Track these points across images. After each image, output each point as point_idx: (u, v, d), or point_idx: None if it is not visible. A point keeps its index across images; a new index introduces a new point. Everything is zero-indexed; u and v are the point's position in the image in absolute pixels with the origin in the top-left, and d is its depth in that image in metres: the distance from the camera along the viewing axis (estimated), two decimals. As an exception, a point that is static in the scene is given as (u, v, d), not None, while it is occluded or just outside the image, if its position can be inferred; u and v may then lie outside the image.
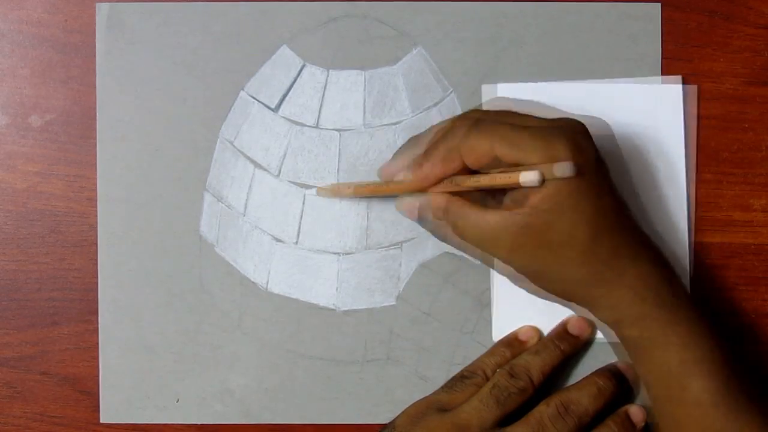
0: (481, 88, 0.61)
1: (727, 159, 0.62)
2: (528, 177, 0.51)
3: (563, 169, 0.51)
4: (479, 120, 0.54)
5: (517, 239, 0.53)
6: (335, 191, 0.60)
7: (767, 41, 0.61)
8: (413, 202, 0.56)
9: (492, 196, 0.55)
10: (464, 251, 0.58)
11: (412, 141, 0.58)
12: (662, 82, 0.61)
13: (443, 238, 0.57)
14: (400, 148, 0.59)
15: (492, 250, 0.55)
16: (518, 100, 0.60)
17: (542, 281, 0.55)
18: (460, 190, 0.55)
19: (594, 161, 0.53)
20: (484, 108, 0.59)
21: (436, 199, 0.55)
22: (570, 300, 0.56)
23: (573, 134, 0.53)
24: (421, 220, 0.57)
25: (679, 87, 0.61)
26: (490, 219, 0.53)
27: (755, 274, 0.62)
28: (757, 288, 0.62)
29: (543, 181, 0.51)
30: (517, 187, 0.52)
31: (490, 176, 0.53)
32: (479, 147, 0.53)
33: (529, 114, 0.55)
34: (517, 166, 0.52)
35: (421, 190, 0.56)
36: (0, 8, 0.61)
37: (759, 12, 0.61)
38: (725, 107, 0.62)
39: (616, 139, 0.61)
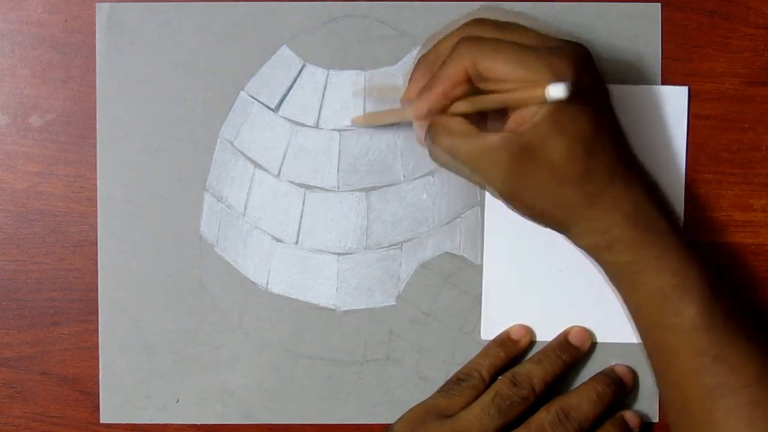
0: None
1: (727, 159, 0.62)
2: (556, 90, 0.49)
3: (561, 89, 0.49)
4: (484, 40, 0.53)
5: (517, 160, 0.52)
6: (368, 120, 0.59)
7: (767, 41, 0.61)
8: (419, 129, 0.56)
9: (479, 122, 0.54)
10: (460, 173, 0.56)
11: (422, 62, 0.57)
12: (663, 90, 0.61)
13: (442, 163, 0.56)
14: (412, 71, 0.57)
15: (489, 171, 0.53)
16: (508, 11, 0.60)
17: (533, 204, 0.54)
18: (477, 110, 0.53)
19: (595, 83, 0.54)
20: (474, 17, 0.56)
21: (435, 121, 0.54)
22: (558, 225, 0.55)
23: (576, 56, 0.52)
24: (427, 145, 0.56)
25: (685, 89, 0.61)
26: (490, 140, 0.52)
27: (755, 274, 0.62)
28: (757, 288, 0.62)
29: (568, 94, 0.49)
30: (540, 102, 0.51)
31: (512, 93, 0.52)
32: (487, 66, 0.51)
33: (530, 28, 0.54)
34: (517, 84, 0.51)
35: (435, 114, 0.54)
36: (0, 8, 0.61)
37: (759, 12, 0.61)
38: (725, 107, 0.62)
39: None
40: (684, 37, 0.61)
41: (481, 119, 0.55)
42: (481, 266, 0.61)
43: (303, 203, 0.61)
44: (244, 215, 0.61)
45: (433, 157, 0.56)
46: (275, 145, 0.61)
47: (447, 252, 0.61)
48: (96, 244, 0.61)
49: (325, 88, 0.61)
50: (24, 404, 0.62)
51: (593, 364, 0.61)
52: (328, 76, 0.61)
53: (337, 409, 0.61)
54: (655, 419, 0.61)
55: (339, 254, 0.61)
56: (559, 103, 0.50)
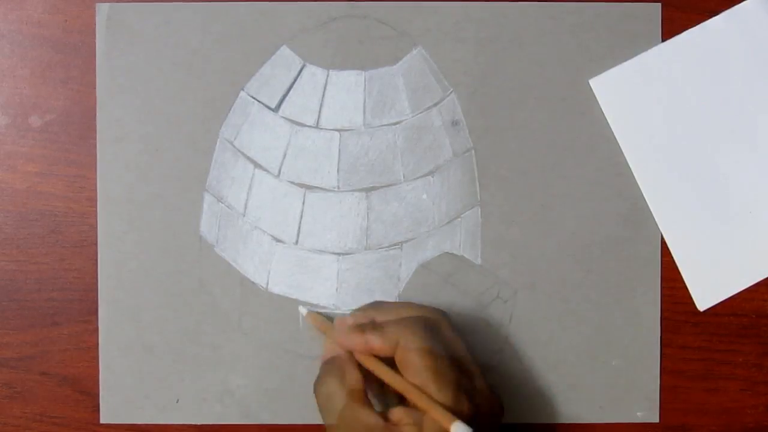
0: (589, 83, 0.60)
1: (727, 159, 0.62)
2: (459, 430, 0.50)
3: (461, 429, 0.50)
4: (430, 342, 0.53)
5: None
6: (315, 321, 0.59)
7: (767, 41, 0.61)
8: (331, 349, 0.56)
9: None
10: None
11: (376, 305, 0.57)
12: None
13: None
14: (364, 306, 0.57)
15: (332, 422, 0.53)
16: None
17: None
18: (387, 381, 0.54)
19: None
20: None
21: (342, 360, 0.55)
22: None
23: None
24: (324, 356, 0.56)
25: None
26: (367, 419, 0.52)
27: (755, 274, 0.62)
28: (757, 288, 0.62)
29: None
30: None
31: (426, 400, 0.51)
32: (411, 363, 0.52)
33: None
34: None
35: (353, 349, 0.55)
36: (0, 8, 0.61)
37: (759, 12, 0.61)
38: (725, 107, 0.62)
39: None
40: (684, 37, 0.61)
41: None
42: (481, 266, 0.61)
43: (303, 203, 0.61)
44: (244, 215, 0.61)
45: (315, 390, 0.55)
46: (275, 145, 0.61)
47: (447, 252, 0.61)
48: (96, 244, 0.61)
49: (325, 88, 0.61)
50: (24, 404, 0.62)
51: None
52: (328, 76, 0.61)
53: (337, 409, 0.61)
54: (655, 419, 0.61)
55: (339, 254, 0.61)
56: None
